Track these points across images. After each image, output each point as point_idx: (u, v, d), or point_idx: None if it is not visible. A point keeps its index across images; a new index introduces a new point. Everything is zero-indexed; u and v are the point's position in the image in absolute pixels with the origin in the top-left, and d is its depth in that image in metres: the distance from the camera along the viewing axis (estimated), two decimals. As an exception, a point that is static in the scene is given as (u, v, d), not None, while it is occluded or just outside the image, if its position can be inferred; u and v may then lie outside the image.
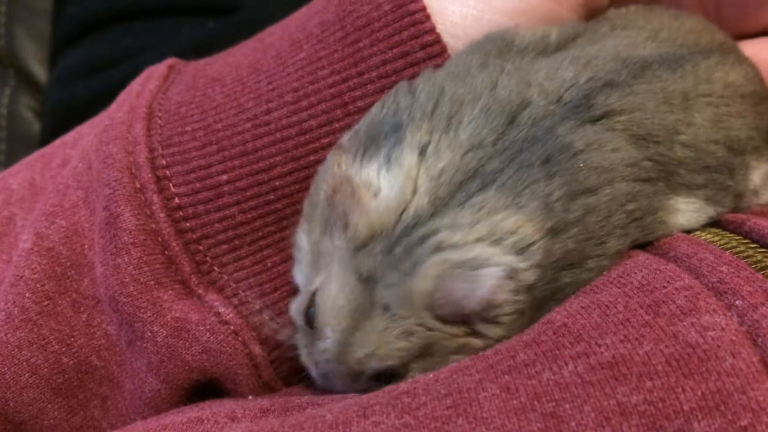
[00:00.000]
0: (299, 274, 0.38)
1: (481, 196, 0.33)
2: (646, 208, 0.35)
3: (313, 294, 0.35)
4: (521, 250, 0.32)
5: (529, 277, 0.32)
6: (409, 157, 0.34)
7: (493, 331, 0.33)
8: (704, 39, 0.41)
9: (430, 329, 0.33)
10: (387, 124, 0.35)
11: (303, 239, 0.37)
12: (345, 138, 0.37)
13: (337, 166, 0.34)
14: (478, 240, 0.32)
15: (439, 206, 0.33)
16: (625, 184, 0.34)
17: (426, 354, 0.33)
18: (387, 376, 0.34)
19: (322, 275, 0.35)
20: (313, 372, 0.36)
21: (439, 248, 0.32)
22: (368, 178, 0.34)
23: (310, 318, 0.35)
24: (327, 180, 0.35)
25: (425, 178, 0.33)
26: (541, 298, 0.33)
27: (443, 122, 0.34)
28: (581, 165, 0.33)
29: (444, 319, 0.33)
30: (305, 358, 0.37)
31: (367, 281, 0.33)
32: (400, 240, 0.33)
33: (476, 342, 0.33)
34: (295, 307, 0.37)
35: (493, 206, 0.32)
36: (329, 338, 0.34)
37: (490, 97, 0.35)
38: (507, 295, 0.32)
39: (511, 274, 0.32)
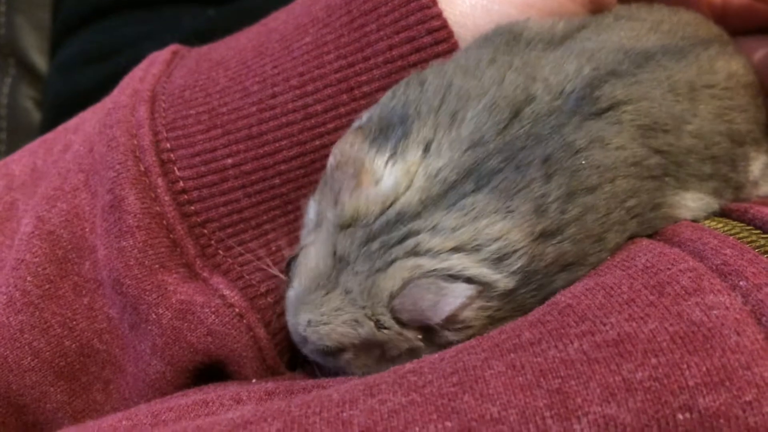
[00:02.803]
0: (302, 238, 0.38)
1: (472, 198, 0.33)
2: (647, 203, 0.35)
3: (300, 249, 0.36)
4: (502, 258, 0.32)
5: (507, 284, 0.32)
6: (413, 153, 0.34)
7: (461, 335, 0.33)
8: (702, 31, 0.41)
9: (384, 327, 0.33)
10: (396, 115, 0.35)
11: (312, 208, 0.38)
12: (364, 119, 0.37)
13: (350, 144, 0.35)
14: (455, 249, 0.32)
15: (428, 205, 0.33)
16: (626, 181, 0.34)
17: (372, 347, 0.34)
18: (330, 353, 0.35)
19: (313, 237, 0.36)
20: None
21: (414, 252, 0.32)
22: (376, 166, 0.34)
23: (289, 268, 0.36)
24: (336, 153, 0.35)
25: (422, 176, 0.34)
26: (530, 304, 0.32)
27: (447, 118, 0.35)
28: (583, 163, 0.33)
29: (401, 322, 0.33)
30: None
31: (340, 260, 0.34)
32: (379, 234, 0.33)
33: (429, 349, 0.33)
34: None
35: (481, 210, 0.32)
36: (294, 290, 0.35)
37: (496, 93, 0.35)
38: (474, 311, 0.32)
39: (481, 290, 0.32)
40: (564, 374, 0.27)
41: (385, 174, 0.34)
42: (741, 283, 0.28)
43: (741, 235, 0.33)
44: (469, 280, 0.32)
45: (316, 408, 0.28)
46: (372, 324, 0.33)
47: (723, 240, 0.31)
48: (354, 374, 0.35)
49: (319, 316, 0.34)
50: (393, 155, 0.34)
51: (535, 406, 0.26)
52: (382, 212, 0.33)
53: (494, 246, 0.32)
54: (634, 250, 0.33)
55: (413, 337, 0.33)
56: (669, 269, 0.29)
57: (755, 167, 0.39)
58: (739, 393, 0.25)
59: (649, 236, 0.35)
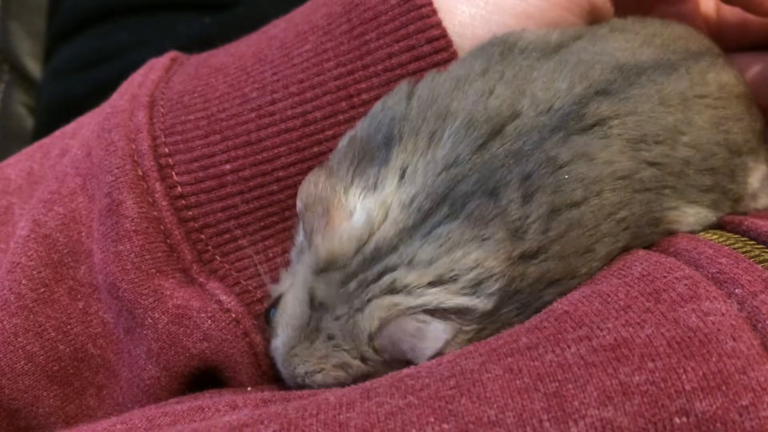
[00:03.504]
0: (293, 258, 0.38)
1: (447, 227, 0.32)
2: (641, 216, 0.34)
3: (278, 297, 0.36)
4: (478, 284, 0.32)
5: (486, 305, 0.32)
6: (390, 182, 0.34)
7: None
8: (693, 44, 0.42)
9: (368, 361, 0.33)
10: (381, 133, 0.35)
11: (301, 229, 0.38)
12: (356, 130, 0.37)
13: (314, 184, 0.35)
14: (432, 284, 0.32)
15: (404, 237, 0.33)
16: (614, 194, 0.33)
17: (362, 380, 0.34)
18: None
19: (290, 281, 0.36)
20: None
21: (391, 289, 0.32)
22: (348, 200, 0.34)
23: (269, 317, 0.36)
24: (302, 196, 0.35)
25: (396, 206, 0.33)
26: (517, 321, 0.32)
27: (425, 140, 0.34)
28: (566, 177, 0.32)
29: (384, 359, 0.33)
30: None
31: (319, 307, 0.34)
32: (357, 274, 0.33)
33: None
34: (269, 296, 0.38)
35: (456, 240, 0.32)
36: (280, 339, 0.35)
37: (478, 107, 0.34)
38: (454, 346, 0.32)
39: (459, 328, 0.32)
40: (561, 378, 0.27)
41: (357, 207, 0.34)
42: (737, 290, 0.28)
43: (736, 245, 0.33)
44: (446, 311, 0.32)
45: (312, 410, 0.28)
46: (359, 362, 0.33)
47: (718, 250, 0.32)
48: None
49: (311, 367, 0.34)
50: (371, 185, 0.34)
51: (533, 409, 0.26)
52: (358, 250, 0.33)
53: (471, 275, 0.32)
54: (630, 259, 0.33)
55: (399, 367, 0.33)
56: (665, 277, 0.30)
57: (754, 178, 0.39)
58: (736, 397, 0.25)
59: (645, 247, 0.35)
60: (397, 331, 0.32)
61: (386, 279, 0.32)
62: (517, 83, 0.35)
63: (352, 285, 0.33)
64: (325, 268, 0.34)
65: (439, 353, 0.32)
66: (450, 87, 0.36)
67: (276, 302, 0.36)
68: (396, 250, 0.33)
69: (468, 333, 0.32)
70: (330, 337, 0.33)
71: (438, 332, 0.32)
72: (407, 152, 0.34)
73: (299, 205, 0.35)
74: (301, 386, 0.35)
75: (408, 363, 0.32)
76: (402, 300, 0.32)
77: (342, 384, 0.34)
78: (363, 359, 0.33)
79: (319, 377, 0.34)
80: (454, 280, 0.32)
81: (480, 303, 0.32)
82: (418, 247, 0.32)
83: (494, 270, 0.32)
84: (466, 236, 0.32)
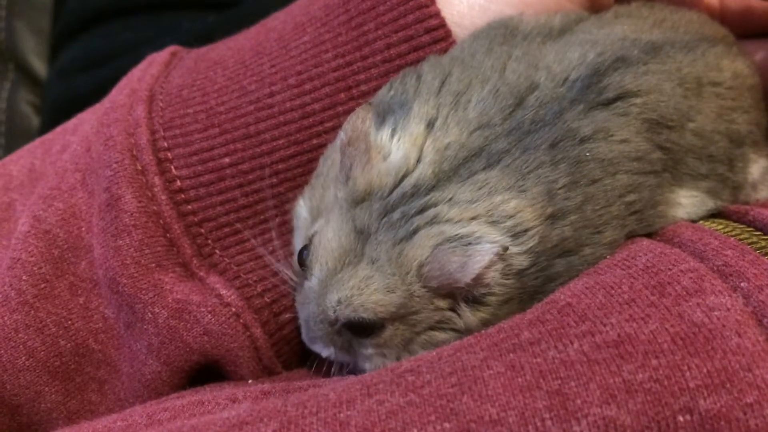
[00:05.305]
0: (297, 240, 0.38)
1: (484, 174, 0.33)
2: (647, 200, 0.35)
3: (311, 237, 0.36)
4: (517, 235, 0.32)
5: (522, 262, 0.32)
6: (416, 127, 0.34)
7: (478, 314, 0.33)
8: (707, 29, 0.41)
9: (414, 295, 0.33)
10: (395, 102, 0.36)
11: (303, 208, 0.38)
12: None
13: (362, 120, 0.35)
14: (474, 218, 0.32)
15: (441, 179, 0.33)
16: (627, 176, 0.34)
17: (404, 320, 0.34)
18: (363, 330, 0.34)
19: (321, 221, 0.36)
20: (300, 316, 0.37)
21: (435, 220, 0.33)
22: (382, 141, 0.35)
23: (303, 258, 0.36)
24: (347, 129, 0.35)
25: (431, 150, 0.34)
26: (532, 287, 0.33)
27: (450, 98, 0.35)
28: (587, 155, 0.33)
29: (431, 290, 0.33)
30: (296, 301, 0.38)
31: (361, 233, 0.34)
32: (398, 205, 0.33)
33: (458, 320, 0.33)
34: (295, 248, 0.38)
35: (494, 186, 0.33)
36: (315, 276, 0.35)
37: (499, 80, 0.35)
38: (497, 274, 0.32)
39: (504, 254, 0.32)
40: (564, 375, 0.26)
41: (392, 148, 0.35)
42: (742, 284, 0.28)
43: (741, 236, 0.33)
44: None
45: (312, 408, 0.28)
46: (404, 289, 0.33)
47: (724, 241, 0.31)
48: (388, 359, 0.35)
49: (349, 291, 0.34)
50: (395, 129, 0.35)
51: (535, 408, 0.26)
52: (396, 184, 0.34)
53: (509, 222, 0.32)
54: (634, 249, 0.33)
55: (444, 305, 0.33)
56: (670, 269, 0.29)
57: (754, 169, 0.39)
58: (740, 395, 0.25)
59: (649, 237, 0.35)
60: (446, 254, 0.32)
61: (429, 212, 0.33)
62: (527, 59, 0.36)
63: (396, 215, 0.33)
64: (362, 199, 0.34)
65: (483, 278, 0.32)
66: (459, 63, 0.36)
67: (309, 243, 0.36)
68: (435, 188, 0.33)
69: (505, 285, 0.32)
70: (373, 261, 0.33)
71: (486, 249, 0.32)
72: (430, 106, 0.35)
73: (342, 137, 0.35)
74: (332, 321, 0.35)
75: (452, 298, 0.33)
76: (447, 229, 0.32)
77: (375, 315, 0.33)
78: (407, 289, 0.33)
79: (357, 300, 0.33)
80: (494, 223, 0.32)
81: (517, 257, 0.32)
82: (457, 189, 0.33)
83: (530, 224, 0.32)
84: (504, 184, 0.33)
